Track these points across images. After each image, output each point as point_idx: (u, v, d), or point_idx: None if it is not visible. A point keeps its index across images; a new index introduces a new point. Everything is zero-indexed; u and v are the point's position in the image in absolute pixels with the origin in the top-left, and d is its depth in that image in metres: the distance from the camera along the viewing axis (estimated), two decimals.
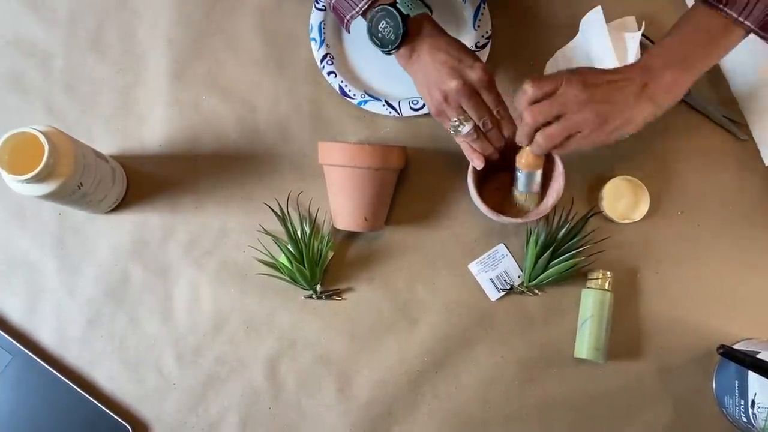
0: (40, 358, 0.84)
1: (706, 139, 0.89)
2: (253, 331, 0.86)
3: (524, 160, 0.77)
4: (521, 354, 0.85)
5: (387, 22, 0.72)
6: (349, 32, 0.78)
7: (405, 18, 0.72)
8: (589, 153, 0.87)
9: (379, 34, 0.73)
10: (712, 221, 0.87)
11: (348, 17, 0.75)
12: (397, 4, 0.72)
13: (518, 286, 0.86)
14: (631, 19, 0.87)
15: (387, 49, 0.74)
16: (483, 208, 0.80)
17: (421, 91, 0.76)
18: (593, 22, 0.84)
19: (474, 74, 0.72)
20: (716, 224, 0.87)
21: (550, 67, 0.89)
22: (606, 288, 0.84)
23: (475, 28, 0.89)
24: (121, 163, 0.88)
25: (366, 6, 0.73)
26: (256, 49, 0.91)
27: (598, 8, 0.84)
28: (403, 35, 0.72)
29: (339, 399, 0.85)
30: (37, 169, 0.69)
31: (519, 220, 0.79)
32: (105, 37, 0.91)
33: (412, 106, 0.88)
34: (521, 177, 0.79)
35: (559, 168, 0.79)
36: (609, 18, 0.86)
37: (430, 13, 0.75)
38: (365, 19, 0.75)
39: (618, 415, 0.84)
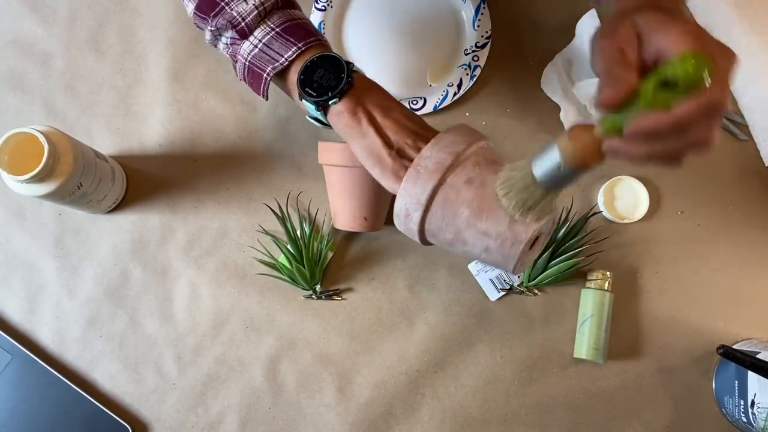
0: (39, 358, 0.84)
1: None
2: (253, 331, 0.86)
3: (585, 152, 0.50)
4: (521, 354, 0.85)
5: (326, 69, 0.62)
6: (266, 99, 0.67)
7: (349, 65, 0.62)
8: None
9: (314, 84, 0.62)
10: (712, 221, 0.87)
11: (269, 69, 0.63)
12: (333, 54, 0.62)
13: (518, 286, 0.86)
14: None
15: (325, 98, 0.61)
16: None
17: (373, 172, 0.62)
18: (588, 25, 0.84)
19: None
20: (716, 224, 0.87)
21: (550, 71, 0.88)
22: (606, 288, 0.84)
23: (475, 28, 0.89)
24: (120, 163, 0.88)
25: (294, 56, 0.62)
26: None
27: (592, 11, 0.84)
28: (347, 83, 0.61)
29: (338, 399, 0.85)
30: (37, 169, 0.69)
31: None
32: (105, 37, 0.91)
33: (412, 106, 0.88)
34: (554, 165, 0.52)
35: None
36: None
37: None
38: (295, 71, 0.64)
39: (618, 415, 0.84)
